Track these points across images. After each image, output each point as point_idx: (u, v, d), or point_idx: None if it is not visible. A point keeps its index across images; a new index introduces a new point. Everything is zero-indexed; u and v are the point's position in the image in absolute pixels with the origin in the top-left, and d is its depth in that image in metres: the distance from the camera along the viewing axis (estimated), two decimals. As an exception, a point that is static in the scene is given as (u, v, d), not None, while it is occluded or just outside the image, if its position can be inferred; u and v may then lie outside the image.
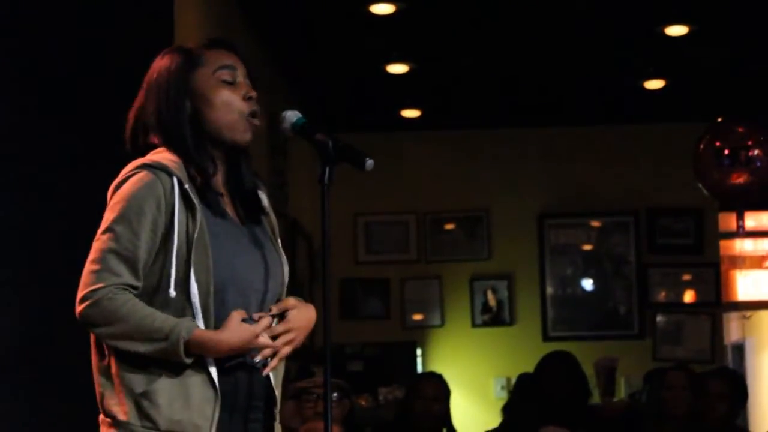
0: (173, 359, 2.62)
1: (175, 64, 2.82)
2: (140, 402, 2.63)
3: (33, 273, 3.96)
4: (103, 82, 4.17)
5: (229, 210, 2.84)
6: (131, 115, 2.85)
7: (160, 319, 2.63)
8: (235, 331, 2.67)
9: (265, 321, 2.73)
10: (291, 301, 2.79)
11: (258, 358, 2.73)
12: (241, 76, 2.83)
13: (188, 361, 2.63)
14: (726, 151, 6.70)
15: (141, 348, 2.61)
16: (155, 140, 2.80)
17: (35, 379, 3.95)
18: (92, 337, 2.73)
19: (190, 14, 5.47)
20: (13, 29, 4.00)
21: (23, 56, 4.04)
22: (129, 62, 3.33)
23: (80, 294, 2.65)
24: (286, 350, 2.76)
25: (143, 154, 2.78)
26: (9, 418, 3.81)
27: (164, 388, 2.63)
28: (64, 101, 4.14)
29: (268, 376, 2.79)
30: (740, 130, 6.72)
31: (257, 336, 2.69)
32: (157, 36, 4.52)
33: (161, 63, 2.84)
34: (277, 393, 2.83)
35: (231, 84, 2.81)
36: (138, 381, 2.64)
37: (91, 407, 2.75)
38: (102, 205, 2.74)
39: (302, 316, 2.79)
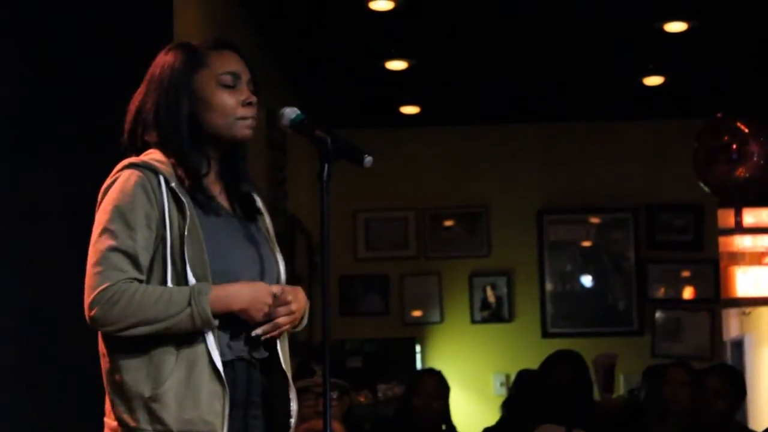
0: (199, 326, 2.61)
1: (178, 62, 2.79)
2: (150, 406, 2.62)
3: (34, 272, 3.96)
4: (102, 80, 4.16)
5: (225, 205, 2.83)
6: (132, 107, 2.83)
7: (176, 290, 2.63)
8: (251, 285, 2.70)
9: (277, 287, 2.75)
10: (277, 286, 2.77)
11: (258, 331, 2.73)
12: (244, 82, 2.81)
13: (216, 322, 2.63)
14: (725, 147, 6.69)
15: (165, 326, 2.60)
16: (151, 138, 2.78)
17: (42, 380, 3.95)
18: (100, 345, 2.71)
19: (189, 10, 5.47)
20: (13, 26, 3.99)
21: (23, 54, 4.03)
22: (128, 59, 3.32)
23: (89, 299, 2.62)
24: (284, 320, 2.75)
25: (140, 150, 2.78)
26: (16, 418, 3.81)
27: (172, 388, 2.62)
28: (63, 99, 4.13)
29: (275, 375, 2.80)
30: (739, 125, 6.71)
31: (270, 295, 2.70)
32: (157, 31, 4.51)
33: (165, 59, 2.82)
34: (291, 392, 2.83)
35: (232, 88, 2.79)
36: (145, 385, 2.63)
37: (99, 408, 2.74)
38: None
39: (295, 293, 2.79)
